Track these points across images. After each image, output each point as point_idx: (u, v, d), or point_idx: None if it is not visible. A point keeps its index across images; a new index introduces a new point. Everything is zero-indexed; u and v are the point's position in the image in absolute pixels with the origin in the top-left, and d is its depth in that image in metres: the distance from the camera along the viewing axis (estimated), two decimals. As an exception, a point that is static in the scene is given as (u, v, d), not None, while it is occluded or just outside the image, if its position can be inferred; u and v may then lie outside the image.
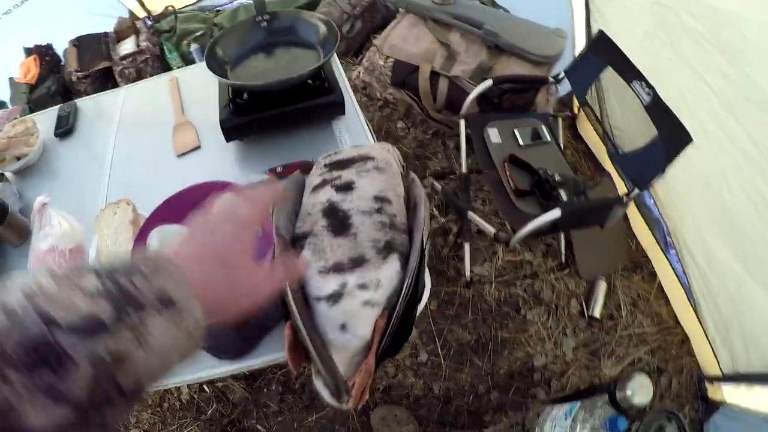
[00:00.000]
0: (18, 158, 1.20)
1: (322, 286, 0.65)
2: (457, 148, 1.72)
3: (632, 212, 1.89)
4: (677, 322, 1.73)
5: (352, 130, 1.13)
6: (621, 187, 1.87)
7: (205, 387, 1.68)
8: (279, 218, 0.73)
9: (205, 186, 0.91)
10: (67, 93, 2.50)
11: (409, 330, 0.67)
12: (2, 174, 1.18)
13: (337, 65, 1.25)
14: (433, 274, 1.82)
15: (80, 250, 1.01)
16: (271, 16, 1.17)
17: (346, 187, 0.73)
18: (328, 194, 0.73)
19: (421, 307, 0.74)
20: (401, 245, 0.69)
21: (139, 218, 0.97)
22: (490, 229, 1.45)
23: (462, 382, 1.64)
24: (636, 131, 1.44)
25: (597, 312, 1.71)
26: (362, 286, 0.64)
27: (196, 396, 1.67)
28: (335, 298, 0.63)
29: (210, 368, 0.83)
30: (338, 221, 0.69)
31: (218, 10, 2.80)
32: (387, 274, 0.65)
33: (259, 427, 1.63)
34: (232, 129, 1.06)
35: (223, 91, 1.10)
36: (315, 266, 0.66)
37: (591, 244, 1.85)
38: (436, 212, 1.97)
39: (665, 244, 1.73)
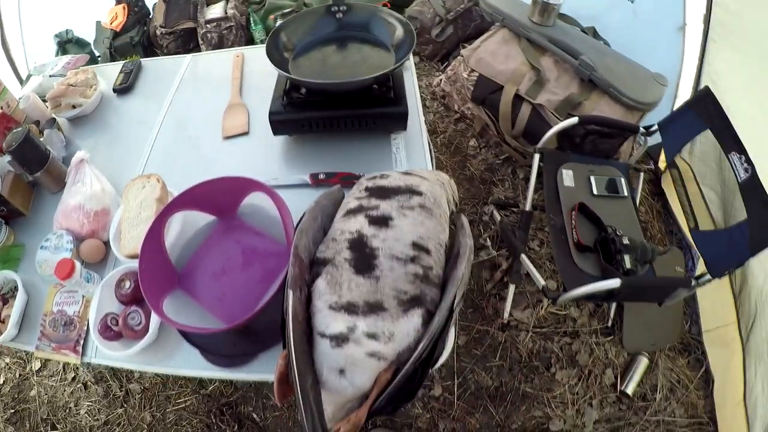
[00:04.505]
0: (73, 107, 1.19)
1: (329, 323, 0.58)
2: (526, 180, 1.60)
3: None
4: (711, 419, 1.53)
5: (411, 149, 1.02)
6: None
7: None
8: (301, 238, 0.66)
9: (236, 180, 0.86)
10: (149, 46, 2.55)
11: (412, 393, 0.59)
12: (54, 119, 1.17)
13: (411, 73, 1.15)
14: (470, 309, 1.72)
15: (105, 213, 0.99)
16: (348, 7, 1.07)
17: (382, 222, 0.64)
18: (360, 224, 0.65)
19: (435, 367, 0.65)
20: (430, 301, 0.61)
21: (166, 196, 0.92)
22: (540, 281, 1.32)
23: (470, 426, 1.54)
24: (724, 209, 1.27)
25: (630, 389, 1.56)
26: (372, 336, 0.57)
27: (202, 369, 1.68)
28: (340, 340, 0.57)
29: (200, 369, 0.80)
30: (363, 258, 0.61)
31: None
32: (404, 328, 0.58)
33: (255, 416, 1.60)
34: (281, 123, 0.99)
35: (281, 82, 1.02)
36: (327, 299, 0.60)
37: (643, 315, 1.69)
38: (489, 243, 1.86)
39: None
